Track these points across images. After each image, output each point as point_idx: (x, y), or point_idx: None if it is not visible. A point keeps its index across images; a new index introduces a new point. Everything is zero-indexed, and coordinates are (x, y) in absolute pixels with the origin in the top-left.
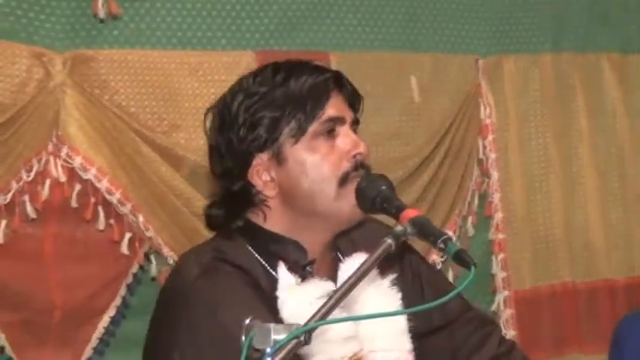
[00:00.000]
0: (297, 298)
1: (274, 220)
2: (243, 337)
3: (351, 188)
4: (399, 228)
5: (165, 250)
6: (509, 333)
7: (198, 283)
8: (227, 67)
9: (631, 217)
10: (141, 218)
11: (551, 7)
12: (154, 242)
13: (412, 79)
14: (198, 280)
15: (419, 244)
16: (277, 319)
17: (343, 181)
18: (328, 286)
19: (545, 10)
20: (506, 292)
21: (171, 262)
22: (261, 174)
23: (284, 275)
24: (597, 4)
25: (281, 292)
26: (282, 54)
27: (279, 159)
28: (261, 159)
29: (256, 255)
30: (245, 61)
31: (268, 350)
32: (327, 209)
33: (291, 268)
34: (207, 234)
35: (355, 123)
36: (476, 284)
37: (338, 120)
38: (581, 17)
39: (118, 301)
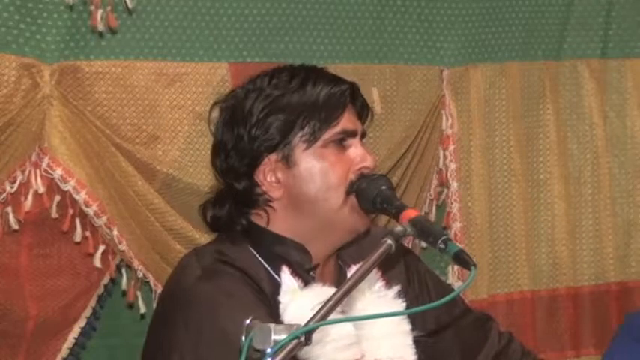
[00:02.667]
0: (300, 303)
1: (278, 223)
2: (244, 337)
3: (352, 202)
4: (398, 228)
5: (136, 264)
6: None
7: (200, 284)
8: (203, 78)
9: (602, 223)
10: (115, 231)
11: (520, 15)
12: (125, 255)
13: (374, 90)
14: (200, 281)
15: None
16: (279, 321)
17: (349, 191)
18: (331, 293)
19: (515, 19)
20: None
21: (140, 275)
22: (267, 174)
23: (287, 279)
24: (575, 10)
25: (283, 297)
26: (254, 65)
27: (288, 162)
28: (270, 160)
29: (259, 258)
30: (219, 73)
31: (268, 350)
32: (330, 217)
33: (294, 272)
34: (179, 248)
35: (364, 135)
36: None
37: (350, 132)
38: (555, 24)
39: (88, 312)
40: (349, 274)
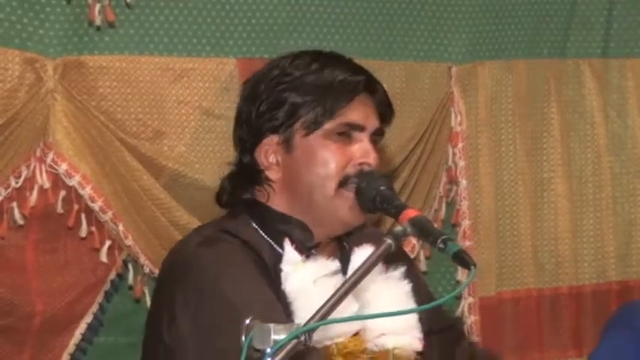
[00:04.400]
0: (302, 273)
1: (277, 202)
2: (244, 337)
3: (347, 194)
4: (398, 228)
5: (142, 259)
6: (473, 339)
7: (200, 249)
8: (210, 74)
9: (603, 222)
10: (120, 227)
11: (527, 12)
12: (132, 251)
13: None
14: (200, 247)
15: None
16: (279, 291)
17: (343, 183)
18: (334, 266)
19: (521, 16)
20: (471, 299)
21: (147, 270)
22: (269, 155)
23: (290, 250)
24: (578, 9)
25: (285, 266)
26: (263, 61)
27: (288, 146)
28: (272, 140)
29: (261, 232)
30: (227, 69)
31: (268, 350)
32: (323, 206)
33: (297, 248)
34: None
35: (378, 133)
36: (442, 291)
37: (356, 126)
38: (560, 22)
39: (95, 307)
40: (354, 257)
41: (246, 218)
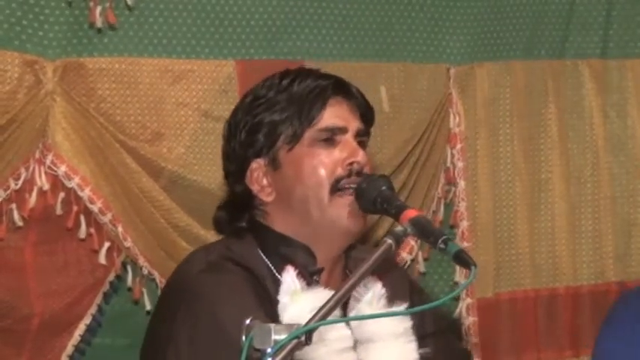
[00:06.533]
0: (300, 304)
1: (278, 224)
2: (244, 337)
3: (343, 200)
4: (399, 228)
5: (141, 261)
6: (472, 340)
7: (202, 276)
8: (209, 75)
9: (602, 223)
10: (120, 228)
11: (525, 14)
12: (131, 252)
13: (382, 88)
14: (202, 274)
15: None
16: (277, 322)
17: (335, 187)
18: None
19: (519, 18)
20: (469, 300)
21: (145, 272)
22: (261, 179)
23: (288, 280)
24: (576, 10)
25: (283, 297)
26: (261, 63)
27: (274, 165)
28: (259, 164)
29: (264, 257)
30: (226, 71)
31: (268, 350)
32: (321, 217)
33: (299, 274)
34: (185, 246)
35: (363, 134)
36: (440, 292)
37: (337, 130)
38: (558, 23)
39: (94, 309)
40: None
41: (252, 240)
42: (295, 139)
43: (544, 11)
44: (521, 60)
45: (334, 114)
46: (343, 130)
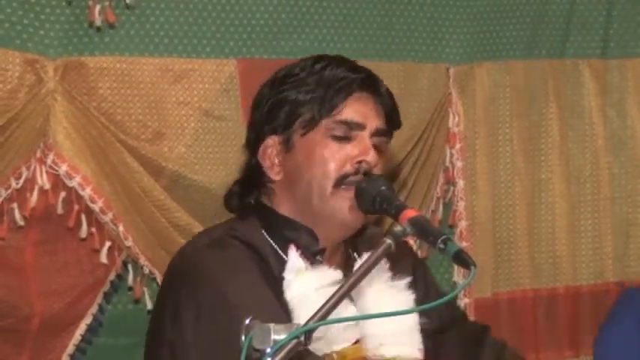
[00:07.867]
0: (304, 281)
1: (281, 205)
2: (243, 337)
3: (347, 194)
4: (398, 228)
5: (142, 260)
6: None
7: (205, 251)
8: (210, 74)
9: (601, 222)
10: (121, 228)
11: (525, 13)
12: (132, 251)
13: None
14: (206, 249)
15: None
16: (281, 299)
17: (340, 182)
18: (336, 276)
19: (519, 17)
20: (467, 300)
21: (147, 271)
22: (273, 157)
23: (293, 257)
24: (577, 10)
25: (288, 274)
26: (263, 62)
27: (287, 146)
28: (274, 141)
29: (268, 237)
30: (227, 70)
31: (268, 350)
32: (321, 207)
33: (302, 254)
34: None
35: (382, 134)
36: None
37: (354, 125)
38: (558, 23)
39: (94, 308)
40: (355, 266)
41: (255, 221)
42: (312, 124)
43: (544, 11)
44: (521, 60)
45: (355, 109)
46: (361, 127)
